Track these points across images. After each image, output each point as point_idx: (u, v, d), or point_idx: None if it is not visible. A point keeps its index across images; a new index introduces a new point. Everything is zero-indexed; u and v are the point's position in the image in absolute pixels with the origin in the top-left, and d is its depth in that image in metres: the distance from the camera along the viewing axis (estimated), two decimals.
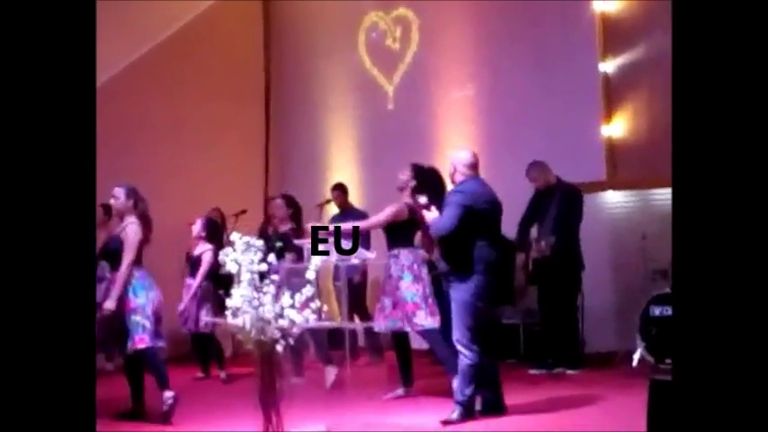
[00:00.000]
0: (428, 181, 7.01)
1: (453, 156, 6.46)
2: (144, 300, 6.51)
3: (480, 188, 6.29)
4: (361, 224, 7.16)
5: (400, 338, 7.26)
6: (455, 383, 6.22)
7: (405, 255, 6.92)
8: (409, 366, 7.28)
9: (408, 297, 6.84)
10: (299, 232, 7.76)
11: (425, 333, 6.92)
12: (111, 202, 6.77)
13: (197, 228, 8.78)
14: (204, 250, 8.64)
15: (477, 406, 6.21)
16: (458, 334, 6.09)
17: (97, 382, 6.47)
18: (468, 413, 6.08)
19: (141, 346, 6.46)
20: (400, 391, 7.21)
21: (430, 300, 6.87)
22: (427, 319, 6.83)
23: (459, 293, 6.09)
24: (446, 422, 6.03)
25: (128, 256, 6.51)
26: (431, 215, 6.27)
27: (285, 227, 8.09)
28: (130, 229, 6.57)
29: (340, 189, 9.93)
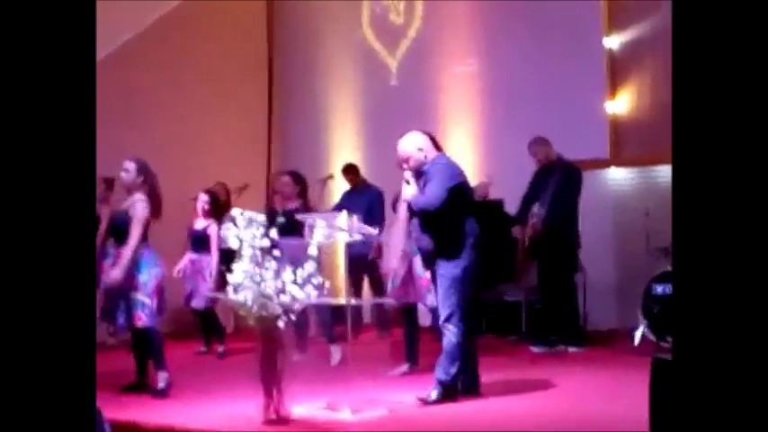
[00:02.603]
0: None
1: (414, 139, 6.04)
2: (147, 277, 6.49)
3: (456, 164, 6.12)
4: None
5: (409, 314, 7.17)
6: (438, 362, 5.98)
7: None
8: (415, 343, 7.19)
9: (422, 272, 6.69)
10: (306, 210, 7.55)
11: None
12: (122, 175, 6.67)
13: (201, 202, 8.72)
14: (208, 224, 8.61)
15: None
16: (446, 312, 5.91)
17: (99, 355, 6.55)
18: (448, 394, 5.91)
19: (139, 324, 6.49)
20: (405, 367, 7.12)
21: None
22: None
23: (448, 270, 5.89)
24: (424, 401, 5.86)
25: (135, 233, 6.47)
26: (409, 189, 6.02)
27: (293, 204, 7.90)
28: (139, 206, 6.52)
29: (353, 171, 9.69)
